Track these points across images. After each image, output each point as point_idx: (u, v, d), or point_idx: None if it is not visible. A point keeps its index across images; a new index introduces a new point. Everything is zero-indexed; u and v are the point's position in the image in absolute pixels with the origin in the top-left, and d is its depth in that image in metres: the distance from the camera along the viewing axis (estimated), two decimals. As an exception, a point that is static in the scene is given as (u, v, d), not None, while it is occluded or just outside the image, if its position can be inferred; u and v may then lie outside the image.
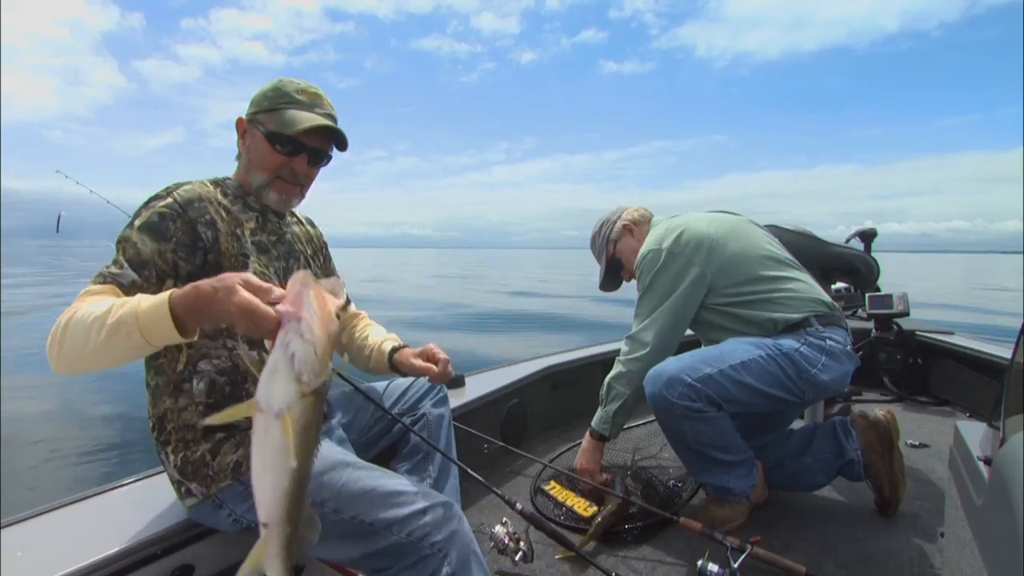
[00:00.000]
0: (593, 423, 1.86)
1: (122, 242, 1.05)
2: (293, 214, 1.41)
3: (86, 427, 4.00)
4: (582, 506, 1.84)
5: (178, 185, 1.14)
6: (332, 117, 1.22)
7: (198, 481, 1.11)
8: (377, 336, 1.52)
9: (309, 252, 1.39)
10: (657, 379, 1.60)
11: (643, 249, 1.83)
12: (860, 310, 3.18)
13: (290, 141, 1.17)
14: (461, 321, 10.14)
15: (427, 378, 1.43)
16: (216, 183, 1.21)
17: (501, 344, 8.00)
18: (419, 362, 1.40)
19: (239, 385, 1.15)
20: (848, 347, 1.68)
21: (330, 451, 1.15)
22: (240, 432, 1.14)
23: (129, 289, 1.01)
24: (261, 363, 1.11)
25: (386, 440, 1.52)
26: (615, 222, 2.04)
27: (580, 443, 1.92)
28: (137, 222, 1.07)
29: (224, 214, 1.16)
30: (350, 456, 1.17)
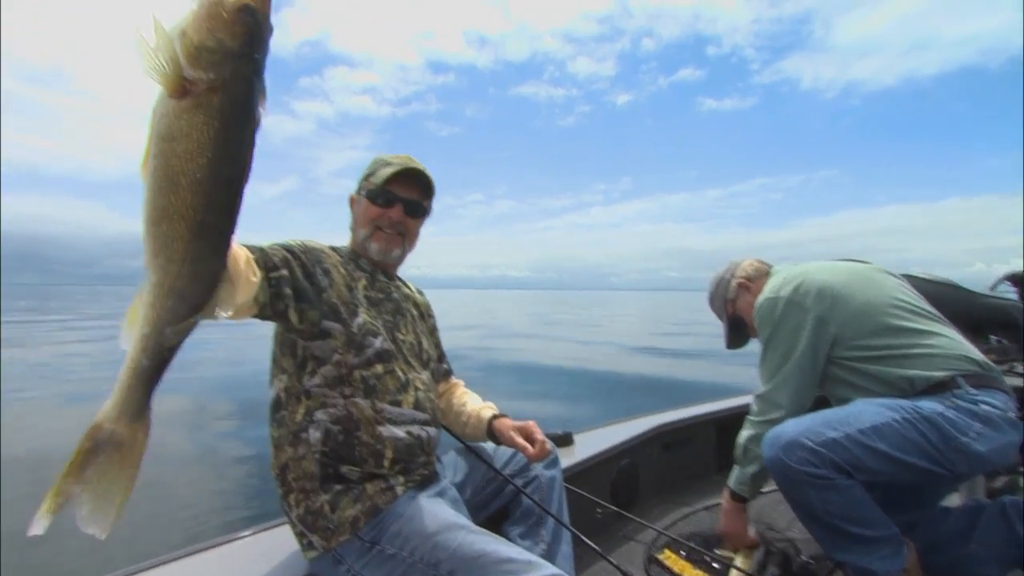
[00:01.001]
0: (731, 483, 1.77)
1: (270, 243, 1.17)
2: (404, 283, 1.52)
3: (217, 474, 4.31)
4: (702, 581, 1.74)
5: (306, 240, 1.28)
6: (421, 170, 1.35)
7: (318, 534, 1.16)
8: (475, 404, 1.58)
9: (416, 313, 1.48)
10: (775, 443, 1.49)
11: (759, 299, 1.75)
12: (1018, 364, 2.77)
13: (384, 193, 1.33)
14: (564, 374, 10.08)
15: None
16: (333, 248, 1.35)
17: (607, 398, 7.83)
18: (518, 438, 1.42)
19: (352, 433, 1.19)
20: (1011, 414, 1.47)
21: (444, 512, 1.17)
22: (357, 486, 1.19)
23: (270, 258, 1.10)
24: (375, 415, 1.20)
25: (498, 502, 1.53)
26: (729, 280, 1.96)
27: (697, 510, 1.84)
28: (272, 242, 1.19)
29: (341, 269, 1.29)
30: (464, 519, 1.18)
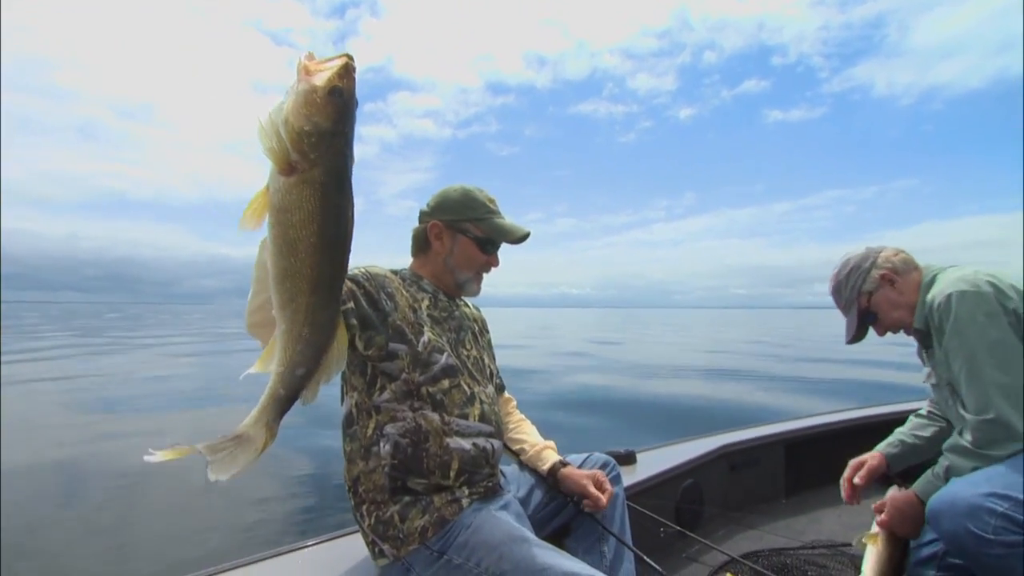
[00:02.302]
0: (923, 494, 1.52)
1: None
2: (464, 301, 1.61)
3: (286, 486, 4.54)
4: (766, 605, 1.72)
5: (368, 267, 1.35)
6: (529, 233, 1.48)
7: (389, 543, 1.22)
8: (535, 438, 1.62)
9: (476, 328, 1.56)
10: (951, 511, 1.30)
11: (948, 289, 1.50)
12: None
13: (495, 245, 1.45)
14: (626, 392, 9.95)
15: (584, 501, 1.49)
16: (394, 271, 1.43)
17: (670, 417, 7.67)
18: (591, 487, 1.46)
19: (420, 445, 1.25)
20: None
21: (509, 525, 1.22)
22: (425, 498, 1.25)
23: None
24: (443, 427, 1.30)
25: (560, 519, 1.56)
26: (869, 270, 1.71)
27: (764, 533, 1.80)
28: None
29: (404, 292, 1.36)
30: (527, 532, 1.21)
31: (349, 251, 0.82)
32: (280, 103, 0.74)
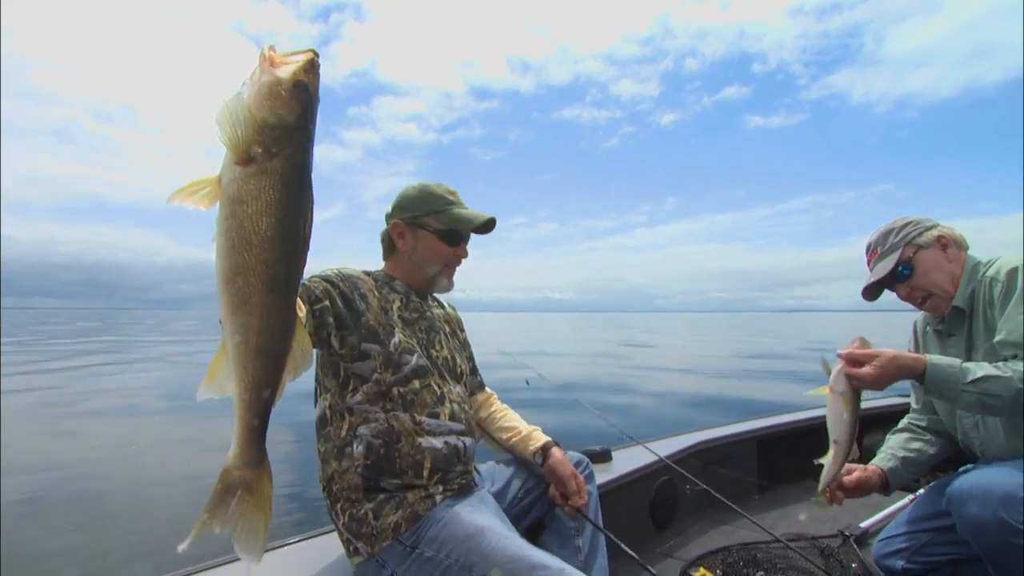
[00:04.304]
0: (933, 370, 1.36)
1: (308, 276, 1.28)
2: (435, 298, 1.61)
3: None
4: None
5: (341, 268, 1.38)
6: (494, 219, 1.48)
7: (363, 540, 1.23)
8: (522, 424, 1.64)
9: (448, 329, 1.57)
10: (984, 496, 1.30)
11: (1011, 260, 1.52)
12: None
13: (456, 235, 1.44)
14: (604, 392, 10.03)
15: (554, 497, 1.52)
16: (367, 273, 1.43)
17: (647, 417, 7.74)
18: (572, 482, 1.49)
19: (392, 445, 1.27)
20: None
21: (481, 518, 1.22)
22: (398, 495, 1.26)
23: (312, 291, 1.21)
24: (415, 427, 1.30)
25: (535, 512, 1.57)
26: (929, 227, 1.67)
27: (731, 526, 1.82)
28: (310, 274, 1.30)
29: (376, 293, 1.37)
30: (499, 524, 1.22)
31: (307, 249, 0.76)
32: (239, 92, 0.71)
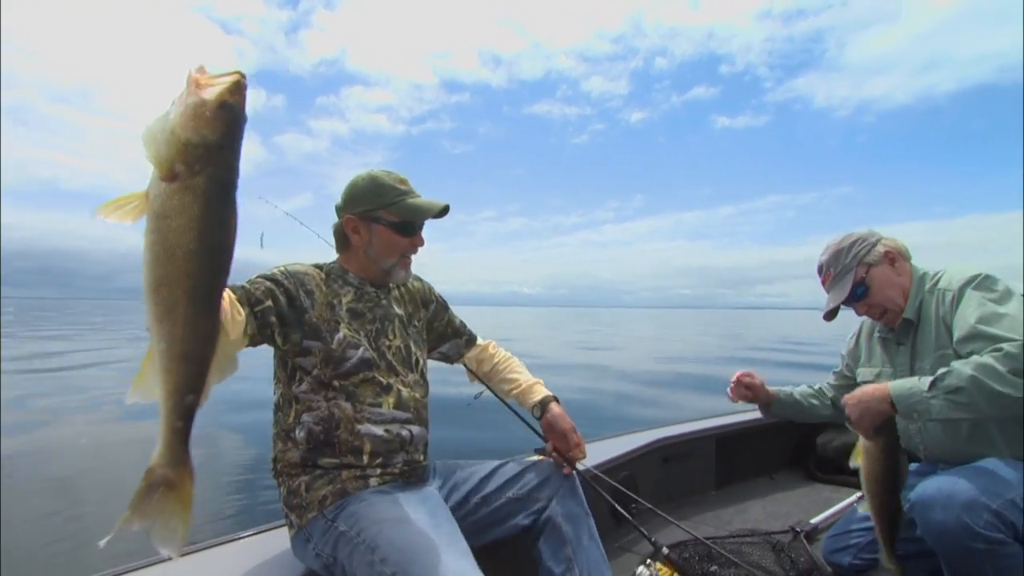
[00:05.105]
0: (896, 393, 1.41)
1: (251, 278, 1.28)
2: (397, 285, 1.57)
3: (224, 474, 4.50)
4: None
5: (288, 265, 1.37)
6: (448, 206, 1.44)
7: (295, 512, 1.26)
8: (526, 376, 1.69)
9: (410, 311, 1.55)
10: (948, 502, 1.32)
11: (962, 270, 1.58)
12: None
13: (410, 225, 1.41)
14: (566, 389, 10.15)
15: (551, 453, 1.55)
16: (318, 266, 1.43)
17: (606, 414, 7.88)
18: (574, 435, 1.56)
19: (331, 431, 1.30)
20: None
21: (405, 507, 1.22)
22: (334, 472, 1.28)
23: (252, 294, 1.21)
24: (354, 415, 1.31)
25: (498, 532, 1.48)
26: (874, 244, 1.71)
27: (689, 521, 1.86)
28: (256, 275, 1.30)
29: (324, 288, 1.37)
30: (425, 518, 1.19)
31: (230, 261, 0.79)
32: (165, 113, 0.74)
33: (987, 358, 1.32)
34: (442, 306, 1.69)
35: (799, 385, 2.07)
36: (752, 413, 3.19)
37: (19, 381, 9.83)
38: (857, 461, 1.57)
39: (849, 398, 1.51)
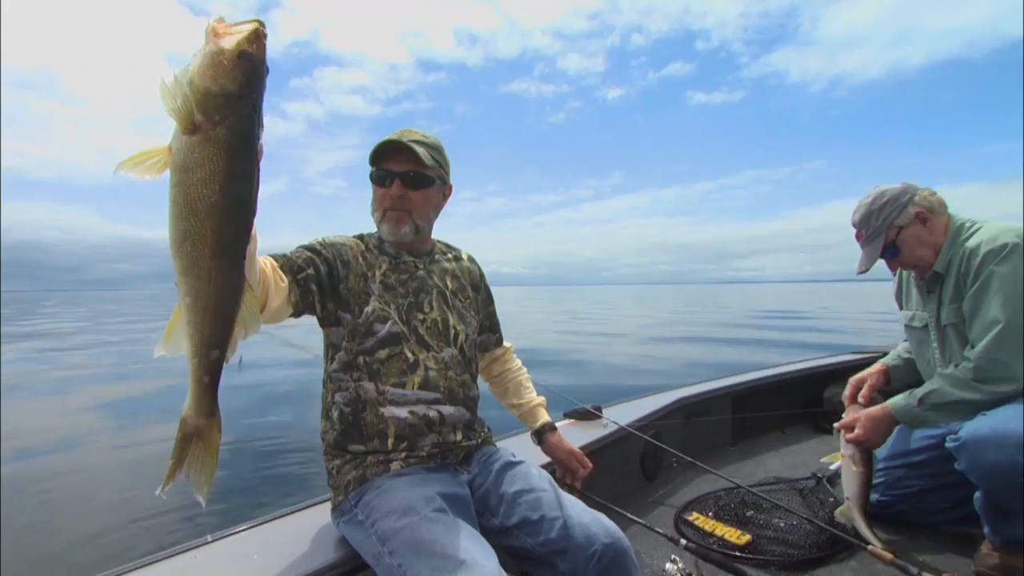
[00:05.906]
0: (897, 411, 1.68)
1: (292, 248, 1.27)
2: (448, 255, 1.52)
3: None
4: (734, 535, 1.86)
5: (327, 236, 1.37)
6: (396, 140, 1.31)
7: (333, 490, 1.32)
8: (527, 395, 1.63)
9: (451, 287, 1.45)
10: (1001, 442, 1.36)
11: (994, 235, 1.57)
12: None
13: (379, 173, 1.33)
14: (587, 351, 10.34)
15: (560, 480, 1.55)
16: (360, 237, 1.42)
17: (626, 379, 8.13)
18: (572, 461, 1.55)
19: (359, 414, 1.29)
20: None
21: (418, 494, 1.15)
22: (362, 458, 1.28)
23: (294, 262, 1.20)
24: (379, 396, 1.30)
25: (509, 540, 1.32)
26: (906, 204, 1.70)
27: (713, 475, 1.93)
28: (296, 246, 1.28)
29: (361, 259, 1.35)
30: (433, 505, 1.13)
31: (254, 214, 0.79)
32: (186, 65, 0.73)
33: (960, 371, 1.55)
34: (488, 297, 1.62)
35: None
36: (761, 372, 3.29)
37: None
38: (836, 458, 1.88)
39: (857, 423, 1.75)
